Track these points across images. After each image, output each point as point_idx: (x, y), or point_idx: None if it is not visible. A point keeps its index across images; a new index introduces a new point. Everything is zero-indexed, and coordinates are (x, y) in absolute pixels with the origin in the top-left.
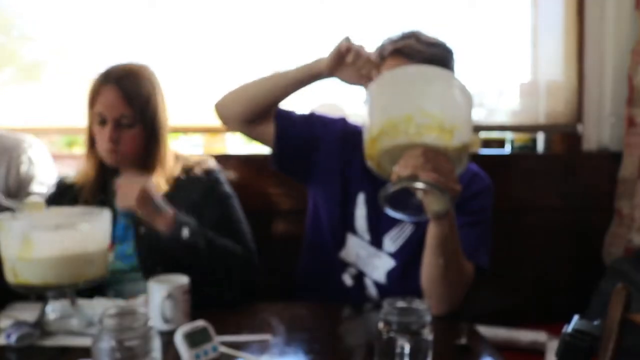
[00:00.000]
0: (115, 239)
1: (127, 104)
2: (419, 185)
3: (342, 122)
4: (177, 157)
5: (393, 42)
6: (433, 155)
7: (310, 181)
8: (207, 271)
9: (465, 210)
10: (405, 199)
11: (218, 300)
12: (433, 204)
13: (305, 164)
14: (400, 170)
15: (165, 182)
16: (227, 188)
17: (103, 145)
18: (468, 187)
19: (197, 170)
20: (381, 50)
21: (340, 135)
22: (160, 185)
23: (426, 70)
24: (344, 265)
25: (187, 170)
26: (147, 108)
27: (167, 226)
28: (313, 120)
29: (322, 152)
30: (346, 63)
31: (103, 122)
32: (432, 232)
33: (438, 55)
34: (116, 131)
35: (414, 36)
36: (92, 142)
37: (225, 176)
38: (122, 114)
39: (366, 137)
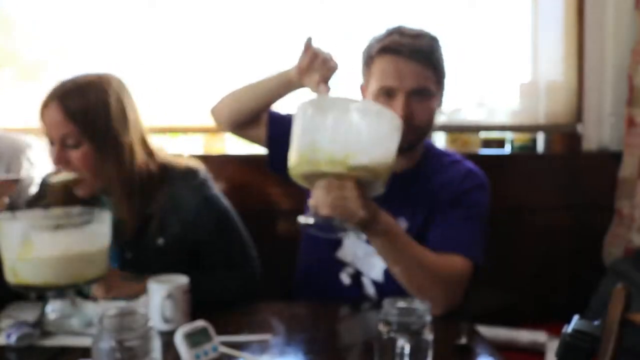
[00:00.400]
0: None
1: (69, 121)
2: (316, 221)
3: None
4: (164, 165)
5: (379, 40)
6: (336, 185)
7: None
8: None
9: (458, 205)
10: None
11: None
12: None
13: None
14: (310, 202)
15: (140, 196)
16: (221, 203)
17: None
18: (461, 183)
19: (186, 186)
20: (369, 51)
21: None
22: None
23: (320, 101)
24: (342, 265)
25: (173, 180)
26: (94, 123)
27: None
28: None
29: None
30: (301, 64)
31: (51, 143)
32: (373, 245)
33: (424, 46)
34: (63, 153)
35: (398, 31)
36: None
37: (221, 184)
38: (65, 134)
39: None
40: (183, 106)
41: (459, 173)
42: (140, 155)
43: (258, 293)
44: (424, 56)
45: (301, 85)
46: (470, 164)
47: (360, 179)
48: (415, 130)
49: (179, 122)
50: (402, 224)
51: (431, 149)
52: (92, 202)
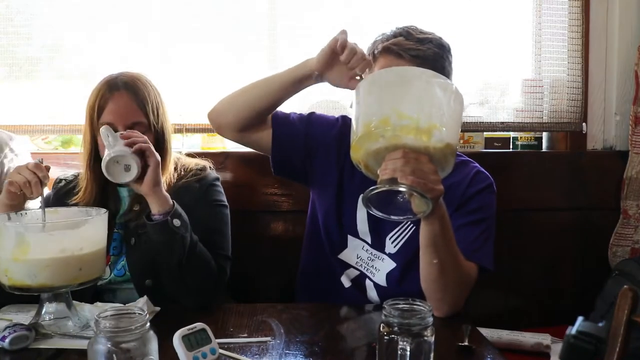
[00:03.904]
0: (112, 251)
1: (140, 109)
2: (398, 188)
3: (341, 121)
4: (177, 163)
5: (383, 40)
6: (413, 157)
7: (310, 184)
8: (181, 275)
9: (466, 209)
10: (392, 200)
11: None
12: (419, 205)
13: (303, 167)
14: (381, 173)
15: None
16: (220, 196)
17: None
18: (469, 186)
19: (194, 179)
20: (374, 47)
21: (337, 137)
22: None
23: (405, 71)
24: (343, 267)
25: (183, 177)
26: (157, 115)
27: (162, 206)
28: (311, 122)
29: (320, 155)
30: (340, 61)
31: (114, 130)
32: (423, 232)
33: (428, 53)
34: None
35: (405, 33)
36: (92, 156)
37: (221, 183)
38: (136, 121)
39: (351, 140)
40: (182, 105)
41: (467, 175)
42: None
43: (220, 292)
44: (425, 64)
45: (319, 81)
46: (476, 165)
47: (432, 156)
48: None
49: (178, 122)
50: (410, 228)
51: None
52: (106, 201)
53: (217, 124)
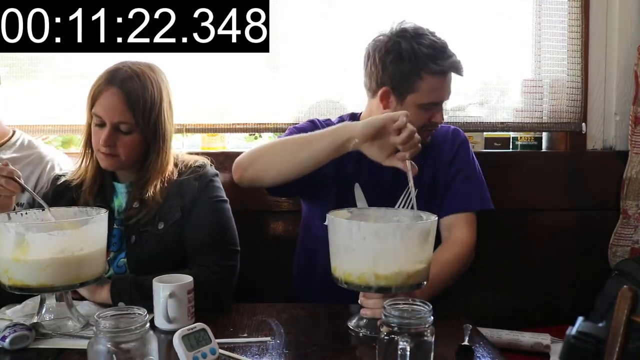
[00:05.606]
0: (111, 247)
1: (128, 110)
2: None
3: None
4: (177, 161)
5: (433, 58)
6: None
7: (305, 198)
8: None
9: (460, 162)
10: None
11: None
12: None
13: (300, 189)
14: (366, 312)
15: (161, 189)
16: (219, 192)
17: (98, 147)
18: (454, 139)
19: (193, 176)
20: (419, 66)
21: None
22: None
23: (379, 229)
24: None
25: (183, 174)
26: (149, 115)
27: (104, 300)
28: None
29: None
30: (383, 136)
31: (101, 124)
32: None
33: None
34: (113, 136)
35: (444, 46)
36: (89, 141)
37: (221, 180)
38: (121, 120)
39: (331, 260)
40: (182, 105)
41: (445, 134)
42: (171, 146)
43: (231, 287)
44: (460, 70)
45: (355, 149)
46: (446, 126)
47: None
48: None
49: (177, 121)
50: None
51: None
52: (104, 192)
53: (249, 179)
